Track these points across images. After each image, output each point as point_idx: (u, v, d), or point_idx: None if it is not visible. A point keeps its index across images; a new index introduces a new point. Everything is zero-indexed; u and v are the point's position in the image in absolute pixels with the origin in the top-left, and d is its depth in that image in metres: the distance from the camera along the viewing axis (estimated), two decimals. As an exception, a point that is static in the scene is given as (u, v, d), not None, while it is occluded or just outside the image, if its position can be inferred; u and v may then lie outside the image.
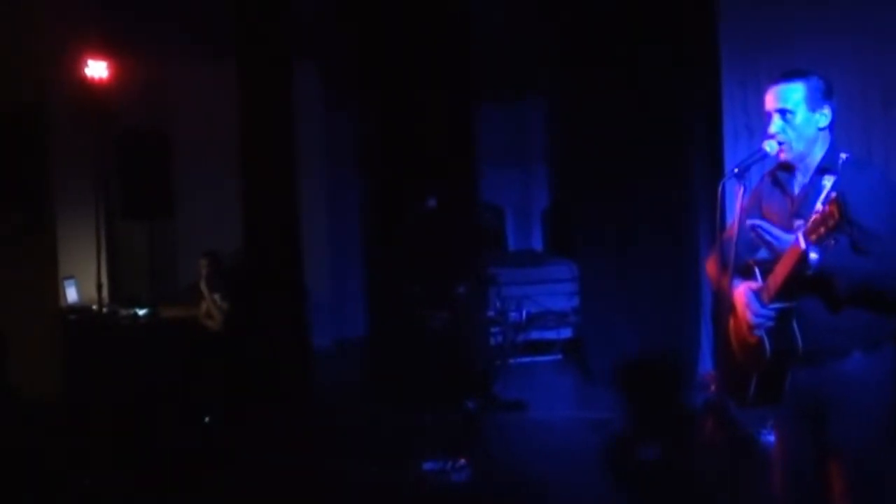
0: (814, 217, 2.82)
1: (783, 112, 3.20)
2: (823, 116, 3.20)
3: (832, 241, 2.83)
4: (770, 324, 3.13)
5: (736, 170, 3.18)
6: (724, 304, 3.34)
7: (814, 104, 3.18)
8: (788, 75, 3.23)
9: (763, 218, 3.38)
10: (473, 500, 5.46)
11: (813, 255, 2.89)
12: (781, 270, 3.03)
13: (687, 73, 7.26)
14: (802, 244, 2.86)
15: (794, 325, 3.08)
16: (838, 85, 3.28)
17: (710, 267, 3.55)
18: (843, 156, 3.17)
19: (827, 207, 2.75)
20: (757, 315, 3.15)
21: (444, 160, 7.55)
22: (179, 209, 7.17)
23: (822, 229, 2.77)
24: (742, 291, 3.23)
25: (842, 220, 2.72)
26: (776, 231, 3.09)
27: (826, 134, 3.22)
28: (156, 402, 6.63)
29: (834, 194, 2.76)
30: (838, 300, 3.04)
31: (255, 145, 7.86)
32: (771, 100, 3.23)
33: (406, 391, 7.08)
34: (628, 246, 7.53)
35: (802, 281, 2.99)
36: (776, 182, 3.35)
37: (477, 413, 6.49)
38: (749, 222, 3.16)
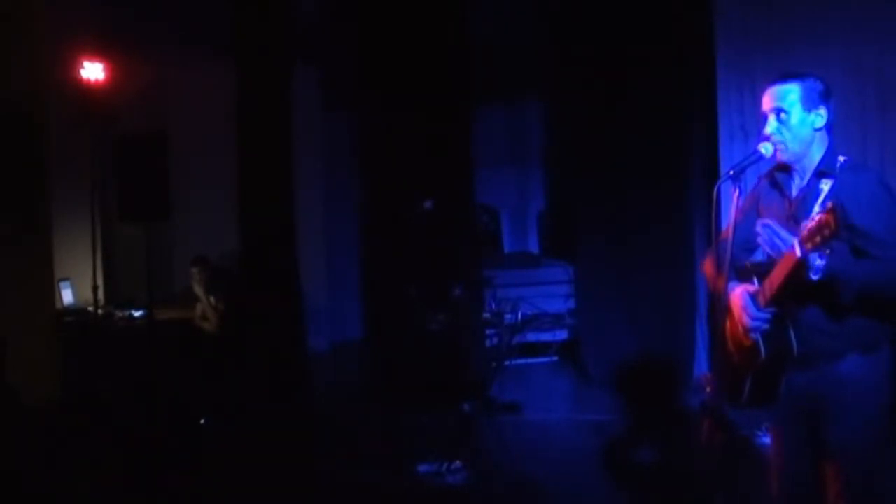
0: (809, 225, 2.81)
1: (778, 112, 3.21)
2: (819, 117, 3.20)
3: (827, 250, 2.84)
4: (765, 327, 3.14)
5: (731, 172, 3.20)
6: (720, 306, 3.35)
7: (809, 105, 3.19)
8: (785, 76, 3.24)
9: (761, 219, 3.39)
10: (469, 503, 5.46)
11: (819, 262, 2.89)
12: (777, 276, 3.03)
13: (683, 75, 7.27)
14: (798, 251, 2.87)
15: (790, 328, 3.08)
16: (834, 87, 3.29)
17: (707, 268, 3.56)
18: (841, 159, 3.17)
19: (823, 216, 2.75)
20: (753, 318, 3.15)
21: (440, 162, 7.56)
22: (176, 211, 7.14)
23: (818, 238, 2.77)
24: (738, 294, 3.24)
25: (838, 229, 2.72)
26: (784, 233, 3.06)
27: (823, 135, 3.23)
28: (152, 404, 6.62)
29: (830, 203, 2.76)
30: (842, 307, 3.04)
31: (252, 147, 7.86)
32: (767, 100, 3.25)
33: (402, 393, 7.08)
34: (624, 248, 7.54)
35: (805, 288, 2.99)
36: (774, 183, 3.35)
37: (473, 415, 6.49)
38: (759, 222, 3.16)
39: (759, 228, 3.14)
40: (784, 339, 3.09)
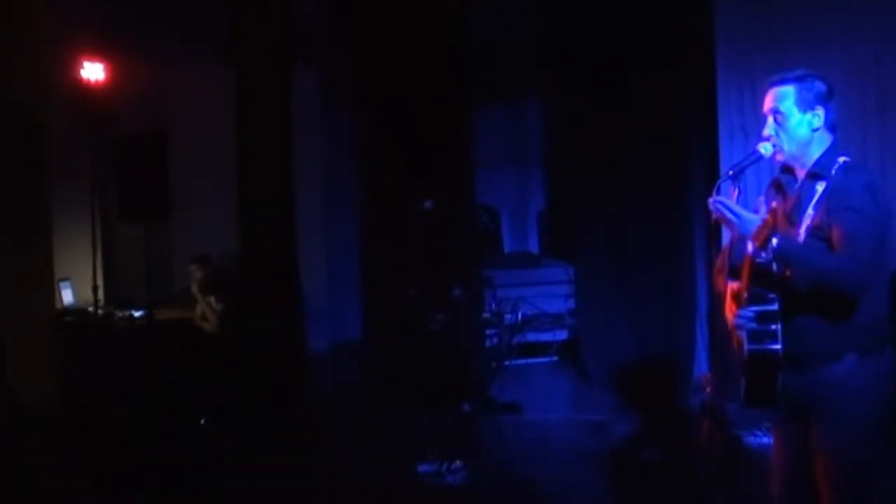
0: (759, 224, 2.98)
1: (775, 114, 3.23)
2: (816, 118, 3.20)
3: (771, 244, 2.97)
4: (751, 325, 3.13)
5: (731, 172, 3.22)
6: (721, 305, 3.39)
7: (805, 106, 3.19)
8: (783, 78, 3.25)
9: None
10: (469, 503, 5.46)
11: (774, 241, 2.98)
12: (745, 277, 3.09)
13: (683, 75, 7.27)
14: (749, 249, 2.98)
15: (778, 328, 3.08)
16: (834, 87, 3.28)
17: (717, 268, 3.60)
18: (842, 160, 3.16)
19: (766, 216, 2.91)
20: (737, 316, 3.17)
21: (440, 162, 7.56)
22: (176, 211, 7.16)
23: (761, 236, 2.93)
24: (728, 293, 3.29)
25: (776, 228, 2.91)
26: (737, 208, 3.11)
27: (822, 135, 3.22)
28: (152, 404, 6.62)
29: (774, 204, 2.95)
30: (796, 295, 3.04)
31: (252, 147, 7.86)
32: (767, 101, 3.27)
33: (402, 393, 7.08)
34: (624, 248, 7.53)
35: (760, 272, 3.04)
36: (779, 186, 3.36)
37: (473, 415, 6.49)
38: (710, 199, 3.18)
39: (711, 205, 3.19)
40: (771, 338, 3.09)
